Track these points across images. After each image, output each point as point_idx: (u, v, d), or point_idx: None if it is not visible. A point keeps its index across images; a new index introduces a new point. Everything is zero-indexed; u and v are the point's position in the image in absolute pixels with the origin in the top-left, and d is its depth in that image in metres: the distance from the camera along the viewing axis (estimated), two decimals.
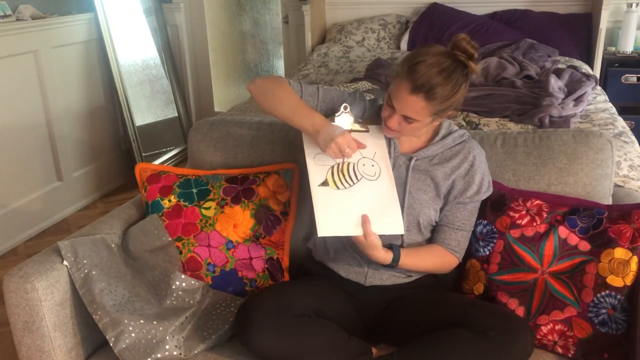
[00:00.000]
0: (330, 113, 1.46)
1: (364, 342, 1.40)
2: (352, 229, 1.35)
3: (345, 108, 1.42)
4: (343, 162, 1.40)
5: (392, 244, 1.42)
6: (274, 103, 1.44)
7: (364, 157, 1.41)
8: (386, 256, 1.38)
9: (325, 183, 1.38)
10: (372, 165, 1.41)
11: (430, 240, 1.50)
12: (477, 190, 1.46)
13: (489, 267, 1.45)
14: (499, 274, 1.44)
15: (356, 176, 1.40)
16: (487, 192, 1.49)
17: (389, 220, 1.37)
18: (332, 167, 1.40)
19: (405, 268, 1.44)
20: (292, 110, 1.41)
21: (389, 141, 1.47)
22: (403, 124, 1.37)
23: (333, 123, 1.40)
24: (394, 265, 1.40)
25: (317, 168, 1.39)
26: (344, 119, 1.42)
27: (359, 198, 1.37)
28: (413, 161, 1.46)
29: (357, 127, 1.44)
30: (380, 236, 1.36)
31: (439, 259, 1.47)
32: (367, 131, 1.45)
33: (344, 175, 1.39)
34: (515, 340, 1.26)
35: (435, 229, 1.49)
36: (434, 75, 1.29)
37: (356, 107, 1.50)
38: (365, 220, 1.33)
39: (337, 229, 1.34)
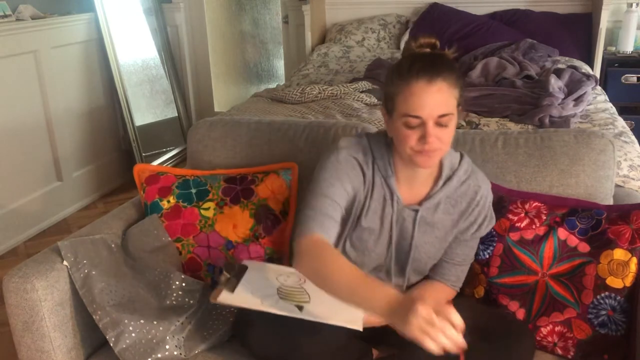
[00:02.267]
0: (348, 205, 1.32)
1: (365, 344, 1.40)
2: (357, 313, 1.24)
3: (225, 277, 1.31)
4: (281, 286, 1.33)
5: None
6: (327, 287, 1.17)
7: (279, 275, 1.36)
8: None
9: (300, 307, 1.26)
10: (298, 279, 1.35)
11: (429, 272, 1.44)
12: (478, 227, 1.39)
13: (489, 271, 1.45)
14: (499, 277, 1.44)
15: (304, 288, 1.31)
16: (488, 227, 1.41)
17: (350, 315, 1.23)
18: (279, 291, 1.31)
19: None
20: (351, 291, 1.12)
21: (390, 194, 1.32)
22: (440, 133, 1.20)
23: (227, 292, 1.28)
24: None
25: (280, 304, 1.26)
26: (229, 283, 1.31)
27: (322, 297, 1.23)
28: (419, 214, 1.33)
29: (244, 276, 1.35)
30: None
31: (440, 295, 1.42)
32: (246, 267, 1.37)
33: (295, 293, 1.32)
34: (516, 344, 1.26)
35: (435, 264, 1.44)
36: (432, 60, 1.21)
37: (352, 178, 1.32)
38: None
39: (358, 319, 1.23)
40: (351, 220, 1.35)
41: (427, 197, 1.34)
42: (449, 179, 1.34)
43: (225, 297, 1.28)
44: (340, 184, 1.29)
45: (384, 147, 1.33)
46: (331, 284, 1.15)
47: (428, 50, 1.27)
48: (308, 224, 1.25)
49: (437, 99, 1.18)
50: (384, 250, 1.37)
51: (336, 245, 1.36)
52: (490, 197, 1.39)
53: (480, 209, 1.37)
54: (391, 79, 1.25)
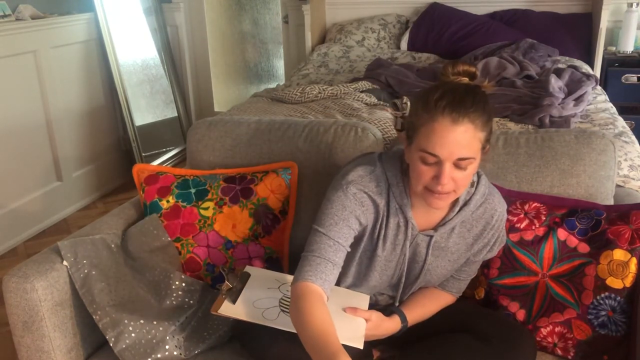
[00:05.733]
0: (352, 238, 1.29)
1: (365, 344, 1.40)
2: (359, 326, 1.27)
3: (227, 286, 1.33)
4: (284, 297, 1.33)
5: (391, 309, 1.37)
6: (300, 335, 1.15)
7: (282, 284, 1.37)
8: (395, 325, 1.33)
9: None
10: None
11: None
12: (490, 249, 1.37)
13: (489, 272, 1.45)
14: (500, 279, 1.44)
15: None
16: (499, 247, 1.39)
17: (350, 332, 1.25)
18: (281, 302, 1.32)
19: (414, 322, 1.37)
20: (312, 346, 1.11)
21: (405, 221, 1.28)
22: (456, 176, 1.15)
23: (229, 302, 1.30)
24: (405, 326, 1.35)
25: (280, 318, 1.26)
26: (231, 293, 1.33)
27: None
28: (434, 239, 1.30)
29: (245, 282, 1.36)
30: (376, 297, 1.34)
31: (441, 302, 1.41)
32: (249, 275, 1.39)
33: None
34: (517, 348, 1.26)
35: None
36: (462, 97, 1.12)
37: (356, 214, 1.28)
38: (351, 311, 1.27)
39: (359, 337, 1.24)
40: (365, 246, 1.32)
41: (443, 222, 1.30)
42: (465, 204, 1.29)
43: (226, 309, 1.29)
44: (345, 223, 1.25)
45: (399, 173, 1.28)
46: (302, 334, 1.13)
47: (466, 79, 1.21)
48: (305, 270, 1.22)
49: (459, 141, 1.11)
50: (394, 271, 1.35)
51: (348, 262, 1.34)
52: (505, 218, 1.35)
53: (495, 232, 1.34)
54: (416, 107, 1.18)
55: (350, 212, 1.26)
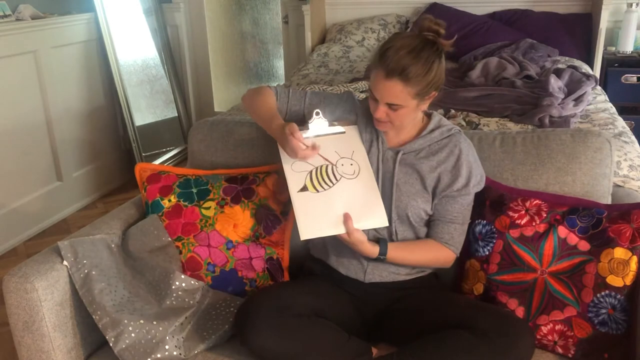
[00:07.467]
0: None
1: (364, 342, 1.40)
2: (333, 229, 1.37)
3: (317, 114, 1.45)
4: (322, 166, 1.42)
5: (379, 237, 1.44)
6: (254, 115, 1.57)
7: (342, 158, 1.44)
8: (373, 249, 1.40)
9: (304, 188, 1.40)
10: (351, 164, 1.43)
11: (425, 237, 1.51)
12: (464, 183, 1.46)
13: (489, 267, 1.45)
14: (499, 274, 1.44)
15: (335, 177, 1.42)
16: (477, 186, 1.49)
17: (373, 215, 1.39)
18: (311, 172, 1.41)
19: (397, 261, 1.46)
20: (265, 120, 1.51)
21: (376, 136, 1.49)
22: (390, 113, 1.39)
23: (307, 129, 1.44)
24: (382, 258, 1.42)
25: (295, 175, 1.41)
26: (318, 124, 1.45)
27: (339, 197, 1.39)
28: (400, 155, 1.47)
29: (332, 130, 1.46)
30: (369, 231, 1.41)
31: (432, 252, 1.47)
32: (344, 132, 1.47)
33: (323, 178, 1.41)
34: (515, 342, 1.26)
35: (429, 225, 1.50)
36: (403, 56, 1.32)
37: (343, 108, 1.53)
38: (346, 218, 1.36)
39: (318, 230, 1.37)
40: None
41: (409, 142, 1.49)
42: (431, 131, 1.49)
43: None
44: (324, 104, 1.52)
45: None
46: (255, 114, 1.55)
47: (428, 35, 1.36)
48: (273, 87, 1.57)
49: (388, 91, 1.35)
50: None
51: None
52: (472, 157, 1.49)
53: (464, 163, 1.46)
54: (374, 51, 1.41)
55: (332, 104, 1.53)
